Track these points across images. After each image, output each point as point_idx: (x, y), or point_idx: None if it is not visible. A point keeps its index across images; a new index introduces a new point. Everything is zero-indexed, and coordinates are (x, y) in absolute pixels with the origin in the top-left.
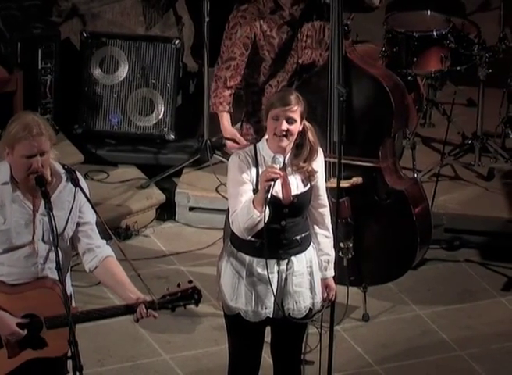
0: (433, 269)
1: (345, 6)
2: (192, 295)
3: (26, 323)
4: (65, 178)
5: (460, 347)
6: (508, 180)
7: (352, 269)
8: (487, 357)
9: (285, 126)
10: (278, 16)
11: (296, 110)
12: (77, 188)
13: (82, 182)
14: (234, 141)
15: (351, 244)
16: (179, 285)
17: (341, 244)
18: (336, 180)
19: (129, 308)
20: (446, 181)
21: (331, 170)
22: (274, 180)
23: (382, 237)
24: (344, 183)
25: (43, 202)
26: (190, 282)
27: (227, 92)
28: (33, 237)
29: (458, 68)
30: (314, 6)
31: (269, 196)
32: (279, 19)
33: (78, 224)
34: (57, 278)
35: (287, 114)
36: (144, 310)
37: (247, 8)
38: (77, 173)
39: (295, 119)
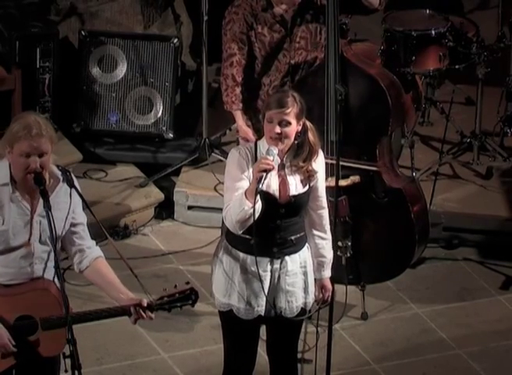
0: (432, 268)
1: (343, 8)
2: (189, 296)
3: (21, 325)
4: (61, 179)
5: (458, 345)
6: (506, 178)
7: (350, 267)
8: (485, 355)
9: (278, 129)
10: (269, 14)
11: (289, 112)
12: (72, 189)
13: (76, 183)
14: (247, 139)
15: (349, 243)
16: (176, 286)
17: (339, 243)
18: (333, 178)
19: (125, 310)
20: (444, 180)
21: (329, 169)
22: (266, 171)
23: (379, 236)
24: (342, 182)
25: (41, 204)
26: (187, 283)
27: (238, 90)
28: (29, 239)
29: (457, 66)
30: (309, 8)
31: (260, 187)
32: (270, 18)
33: (71, 225)
34: (51, 278)
35: (280, 117)
36: (142, 312)
37: (240, 4)
38: (71, 173)
39: (289, 121)
